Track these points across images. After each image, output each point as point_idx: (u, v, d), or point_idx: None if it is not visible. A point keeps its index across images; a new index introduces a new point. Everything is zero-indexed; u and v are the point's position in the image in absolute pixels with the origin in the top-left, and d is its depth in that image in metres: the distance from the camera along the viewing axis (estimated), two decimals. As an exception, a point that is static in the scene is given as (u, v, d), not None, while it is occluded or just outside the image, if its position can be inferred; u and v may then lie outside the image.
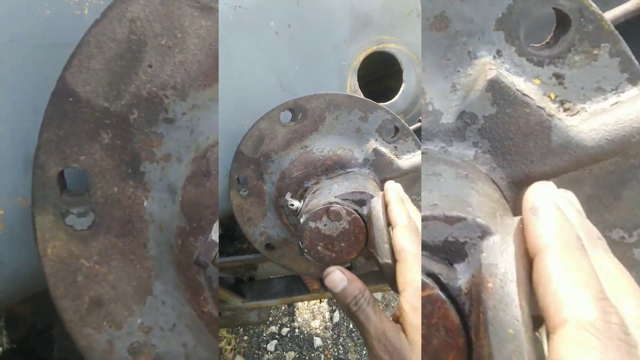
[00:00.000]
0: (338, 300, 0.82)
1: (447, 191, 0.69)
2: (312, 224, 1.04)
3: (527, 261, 0.56)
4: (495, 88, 0.77)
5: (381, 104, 1.47)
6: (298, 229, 1.08)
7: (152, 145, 0.90)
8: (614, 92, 0.79)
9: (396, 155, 1.42)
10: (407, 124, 1.43)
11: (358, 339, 3.25)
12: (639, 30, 1.22)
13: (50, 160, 0.84)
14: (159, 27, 0.84)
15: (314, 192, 1.25)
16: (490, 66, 0.78)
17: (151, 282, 0.94)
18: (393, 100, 1.80)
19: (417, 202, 1.42)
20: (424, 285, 0.59)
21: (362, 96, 1.55)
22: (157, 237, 0.94)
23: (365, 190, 1.12)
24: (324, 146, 1.37)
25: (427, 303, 0.59)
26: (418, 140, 1.44)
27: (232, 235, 2.23)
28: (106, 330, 0.91)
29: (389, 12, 1.75)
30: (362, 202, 1.08)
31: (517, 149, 0.79)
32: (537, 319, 0.54)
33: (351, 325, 3.33)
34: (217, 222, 0.82)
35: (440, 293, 0.59)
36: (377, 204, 1.00)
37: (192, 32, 0.87)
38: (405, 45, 1.79)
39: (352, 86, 1.72)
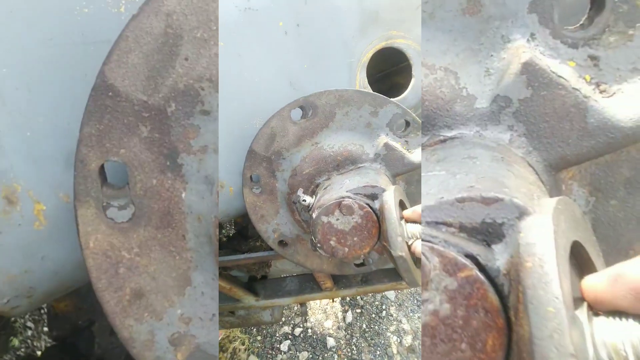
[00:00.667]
0: None
1: (484, 173, 0.70)
2: (324, 219, 1.05)
3: (567, 241, 0.57)
4: (530, 71, 0.78)
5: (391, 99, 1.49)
6: (310, 224, 1.09)
7: (190, 137, 0.91)
8: None
9: (407, 150, 1.43)
10: (417, 118, 1.44)
11: (371, 339, 3.26)
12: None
13: (91, 154, 0.86)
14: (194, 20, 0.86)
15: (325, 188, 1.26)
16: (524, 49, 0.79)
17: (190, 273, 0.95)
18: (403, 95, 1.81)
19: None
20: (462, 266, 0.60)
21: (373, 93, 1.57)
22: (195, 228, 0.95)
23: (376, 184, 1.13)
24: (334, 142, 1.38)
25: (466, 284, 0.60)
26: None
27: (245, 234, 2.24)
28: (147, 321, 0.93)
29: (397, 7, 1.77)
30: (374, 196, 1.09)
31: (552, 132, 0.80)
32: (577, 300, 0.55)
33: (364, 326, 3.35)
34: None
35: (479, 274, 0.60)
36: (389, 198, 1.00)
37: None
38: (413, 39, 1.80)
39: (361, 82, 1.73)
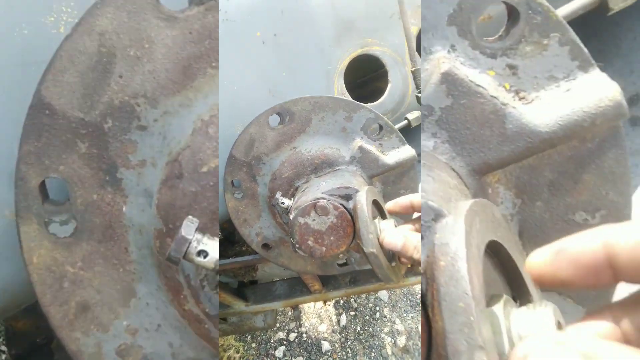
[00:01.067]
0: (401, 255, 0.85)
1: None
2: (301, 220, 1.07)
3: (481, 240, 0.60)
4: (449, 80, 0.80)
5: (368, 104, 1.50)
6: (288, 225, 1.11)
7: (128, 152, 0.93)
8: (565, 79, 0.81)
9: (382, 152, 1.46)
10: (390, 122, 1.46)
11: (366, 341, 3.26)
12: (599, 22, 1.25)
13: (31, 171, 0.88)
14: (127, 39, 0.88)
15: (303, 190, 1.30)
16: (444, 60, 0.81)
17: (134, 285, 0.97)
18: (380, 100, 1.83)
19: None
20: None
21: (349, 98, 1.59)
22: (137, 240, 0.97)
23: (350, 185, 1.16)
24: (311, 146, 1.41)
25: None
26: (402, 136, 1.47)
27: (232, 239, 2.26)
28: (94, 333, 0.95)
29: (372, 16, 1.79)
30: (348, 197, 1.12)
31: (474, 138, 0.82)
32: (496, 296, 0.58)
33: (358, 328, 3.34)
34: (187, 219, 0.82)
35: None
36: (362, 197, 1.01)
37: (159, 42, 0.91)
38: (389, 46, 1.82)
39: (339, 89, 1.75)
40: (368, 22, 1.78)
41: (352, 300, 3.49)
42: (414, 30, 1.76)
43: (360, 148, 1.42)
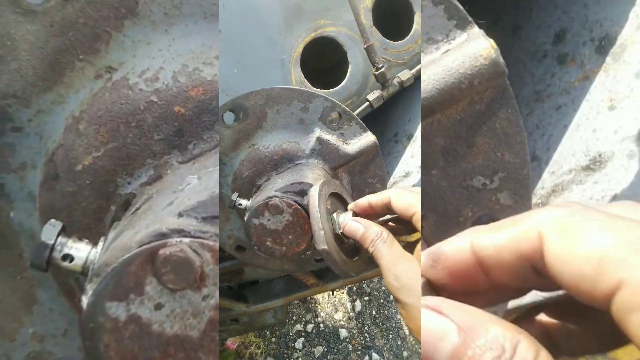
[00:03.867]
0: (360, 244, 0.87)
1: (300, 174, 1.11)
2: (255, 221, 1.05)
3: (327, 192, 0.98)
4: None
5: (330, 90, 1.44)
6: (244, 227, 1.09)
7: (6, 155, 0.91)
8: (445, 40, 0.78)
9: (343, 141, 1.39)
10: (349, 109, 1.40)
11: (383, 324, 3.25)
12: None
13: None
14: (-15, 38, 0.85)
15: (260, 189, 1.25)
16: None
17: (35, 291, 0.96)
18: (342, 84, 1.76)
19: (373, 185, 1.39)
20: (290, 205, 1.03)
21: (310, 87, 1.53)
22: (30, 246, 0.96)
23: (304, 180, 1.11)
24: (269, 142, 1.35)
25: (294, 213, 1.04)
26: (362, 123, 1.40)
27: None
28: (0, 344, 0.94)
29: (319, -4, 1.72)
30: (302, 193, 1.08)
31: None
32: (338, 212, 0.98)
33: (374, 312, 3.33)
34: (48, 222, 0.71)
35: (299, 206, 1.03)
36: (314, 192, 0.99)
37: (21, 39, 0.87)
38: (343, 25, 1.75)
39: (297, 78, 1.69)
40: (317, 3, 1.69)
41: (364, 285, 3.49)
42: (367, 2, 1.68)
43: (319, 139, 1.34)
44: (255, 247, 1.07)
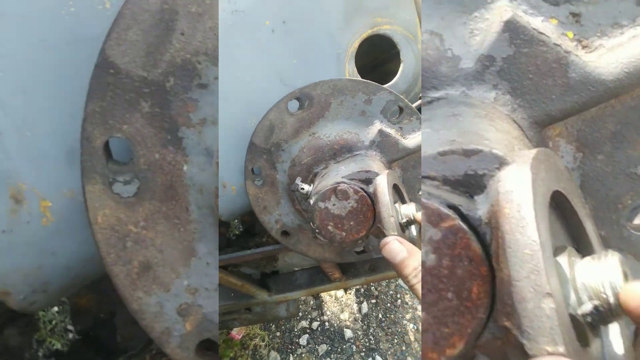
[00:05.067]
0: (396, 271, 0.79)
1: (466, 128, 0.71)
2: (321, 205, 1.08)
3: (547, 189, 0.59)
4: (512, 29, 0.79)
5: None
6: (308, 210, 1.11)
7: (189, 110, 0.94)
8: (631, 25, 0.80)
9: (402, 135, 1.45)
10: (410, 104, 1.46)
11: (388, 328, 3.27)
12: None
13: (95, 131, 0.89)
14: (189, -5, 0.89)
15: (322, 176, 1.30)
16: (506, 8, 0.81)
17: (195, 245, 0.98)
18: (393, 81, 1.81)
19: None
20: (445, 217, 0.62)
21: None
22: (197, 200, 0.98)
23: (370, 169, 1.16)
24: (330, 131, 1.41)
25: (449, 234, 0.61)
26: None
27: (252, 231, 2.28)
28: (155, 293, 0.96)
29: (380, -8, 1.77)
30: (368, 181, 1.12)
31: (536, 88, 0.81)
32: (560, 248, 0.58)
33: (380, 315, 3.36)
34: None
35: (461, 223, 0.61)
36: (382, 181, 1.03)
37: None
38: (400, 24, 1.79)
39: (350, 72, 1.73)
40: (377, 0, 1.75)
41: (372, 288, 3.51)
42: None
43: (380, 132, 1.41)
44: (317, 231, 1.10)
